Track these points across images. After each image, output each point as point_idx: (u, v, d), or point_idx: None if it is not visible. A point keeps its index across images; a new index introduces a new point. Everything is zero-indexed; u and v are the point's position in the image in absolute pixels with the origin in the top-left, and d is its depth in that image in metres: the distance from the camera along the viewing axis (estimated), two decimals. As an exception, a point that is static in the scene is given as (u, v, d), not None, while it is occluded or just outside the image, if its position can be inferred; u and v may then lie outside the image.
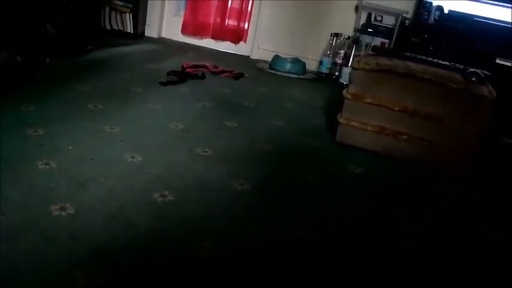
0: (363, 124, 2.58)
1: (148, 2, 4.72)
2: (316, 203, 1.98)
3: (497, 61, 3.64)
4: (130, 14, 4.50)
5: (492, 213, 2.22)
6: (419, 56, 2.81)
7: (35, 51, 3.07)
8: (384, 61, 2.59)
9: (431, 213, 2.09)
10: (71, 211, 1.55)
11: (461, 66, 2.65)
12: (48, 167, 1.81)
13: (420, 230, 1.93)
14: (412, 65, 2.61)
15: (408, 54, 2.85)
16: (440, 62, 2.75)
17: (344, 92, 2.63)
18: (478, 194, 2.42)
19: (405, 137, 2.53)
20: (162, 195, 1.75)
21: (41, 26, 3.34)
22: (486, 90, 2.47)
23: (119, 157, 2.01)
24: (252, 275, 1.45)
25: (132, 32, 4.53)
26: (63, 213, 1.53)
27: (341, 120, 2.62)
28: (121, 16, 4.51)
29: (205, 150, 2.23)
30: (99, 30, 4.42)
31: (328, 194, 2.10)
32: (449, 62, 2.74)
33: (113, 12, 4.50)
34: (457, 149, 2.49)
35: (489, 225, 2.10)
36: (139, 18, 4.57)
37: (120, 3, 4.48)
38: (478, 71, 2.52)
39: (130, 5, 4.48)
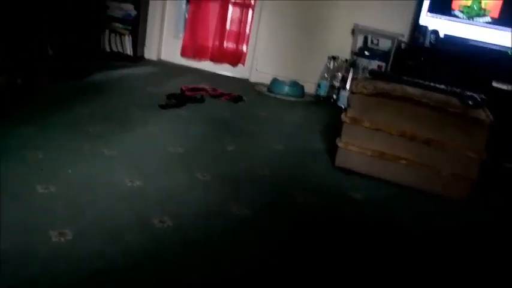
0: (361, 148, 2.58)
1: (148, 24, 4.78)
2: (315, 229, 1.98)
3: (494, 85, 3.68)
4: (130, 37, 4.54)
5: (490, 240, 2.22)
6: (416, 80, 2.84)
7: (36, 74, 3.10)
8: (381, 85, 2.62)
9: (426, 242, 2.09)
10: (70, 237, 1.54)
11: (458, 90, 2.67)
12: (47, 191, 1.81)
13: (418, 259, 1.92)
14: (409, 89, 2.63)
15: (405, 78, 2.89)
16: (437, 85, 2.78)
17: (342, 116, 2.65)
18: (476, 220, 2.42)
19: (404, 161, 2.53)
20: (161, 221, 1.74)
21: (42, 49, 3.37)
22: (483, 114, 2.49)
23: (118, 181, 2.01)
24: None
25: (131, 54, 4.57)
26: (62, 239, 1.52)
27: (340, 145, 2.62)
28: (121, 38, 4.55)
29: (204, 174, 2.23)
30: (99, 53, 4.45)
31: (327, 220, 2.09)
32: (446, 86, 2.77)
33: (113, 35, 4.54)
34: (456, 174, 2.49)
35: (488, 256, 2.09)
36: (138, 41, 4.61)
37: (119, 25, 4.52)
38: (475, 95, 2.55)
39: (130, 28, 4.52)
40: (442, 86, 2.77)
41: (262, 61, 4.73)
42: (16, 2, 2.99)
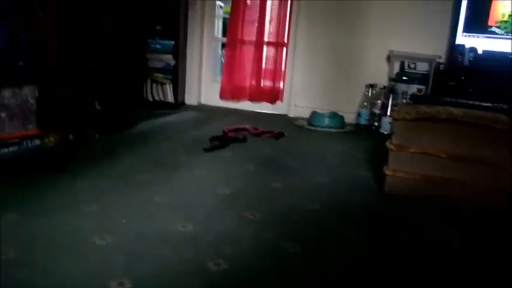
0: (410, 174, 2.54)
1: (187, 71, 4.95)
2: (371, 263, 1.93)
3: (540, 96, 3.56)
4: (171, 85, 4.71)
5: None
6: (459, 100, 2.79)
7: (86, 128, 3.25)
8: (423, 109, 2.59)
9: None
10: (129, 286, 1.57)
11: (505, 106, 2.60)
12: (104, 242, 1.86)
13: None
14: (454, 110, 2.58)
15: (448, 99, 2.85)
16: (482, 104, 2.72)
17: (387, 143, 2.62)
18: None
19: (457, 183, 2.46)
20: (216, 264, 1.75)
21: (90, 105, 3.55)
22: (534, 128, 2.41)
23: (171, 227, 2.04)
24: None
25: (173, 101, 4.73)
26: (122, 289, 1.56)
27: (388, 172, 2.58)
28: (162, 87, 4.73)
29: (254, 213, 2.24)
30: (143, 103, 4.63)
31: (384, 250, 2.04)
32: (492, 103, 2.71)
33: (154, 85, 4.73)
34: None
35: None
36: (179, 88, 4.78)
37: (160, 75, 4.71)
38: (523, 109, 2.48)
39: (170, 76, 4.70)
40: (488, 104, 2.71)
41: (300, 96, 4.78)
42: (68, 63, 3.19)
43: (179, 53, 4.69)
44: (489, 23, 3.96)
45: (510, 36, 3.87)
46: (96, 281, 1.60)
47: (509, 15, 3.89)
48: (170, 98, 4.73)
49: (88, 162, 2.83)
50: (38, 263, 1.67)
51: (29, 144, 2.55)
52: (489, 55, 3.91)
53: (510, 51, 3.84)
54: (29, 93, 2.66)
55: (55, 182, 2.46)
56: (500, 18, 3.92)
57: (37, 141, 2.60)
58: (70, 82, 3.26)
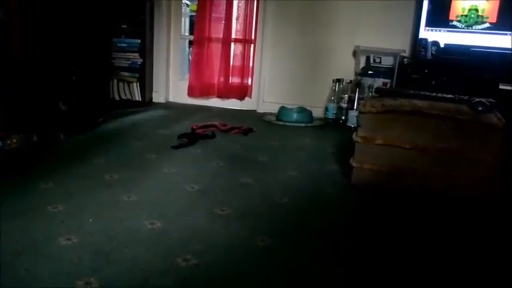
0: (377, 166, 2.58)
1: (154, 69, 4.90)
2: (343, 253, 1.96)
3: (501, 87, 3.67)
4: (138, 83, 4.66)
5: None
6: (423, 93, 2.85)
7: (50, 130, 3.18)
8: (388, 102, 2.64)
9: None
10: (96, 285, 1.55)
11: (466, 97, 2.68)
12: (70, 242, 1.83)
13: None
14: (418, 102, 2.64)
15: (412, 92, 2.90)
16: (445, 95, 2.79)
17: (354, 136, 2.66)
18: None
19: (421, 173, 2.53)
20: (185, 260, 1.74)
21: (54, 105, 3.47)
22: (495, 118, 2.49)
23: (140, 225, 2.02)
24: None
25: (140, 100, 4.68)
26: (89, 289, 1.53)
27: (354, 164, 2.63)
28: (129, 86, 4.67)
29: (224, 209, 2.24)
30: (109, 102, 4.56)
31: (352, 243, 2.07)
32: (454, 95, 2.78)
33: (121, 83, 4.66)
34: (477, 179, 2.48)
35: None
36: (146, 86, 4.73)
37: (126, 73, 4.65)
38: (484, 99, 2.55)
39: (137, 75, 4.65)
40: (450, 95, 2.78)
41: (268, 91, 4.80)
42: (28, 61, 3.11)
43: (146, 51, 4.65)
44: (450, 17, 4.06)
45: (470, 30, 3.99)
46: (63, 281, 1.57)
47: (469, 10, 4.00)
48: (137, 97, 4.68)
49: (54, 163, 2.77)
50: (2, 266, 1.63)
51: (-10, 146, 2.48)
52: (450, 48, 4.01)
53: (469, 44, 3.95)
54: (-11, 94, 2.59)
55: (20, 183, 2.40)
56: (461, 13, 4.03)
57: (-1, 143, 2.54)
58: (33, 82, 3.18)
